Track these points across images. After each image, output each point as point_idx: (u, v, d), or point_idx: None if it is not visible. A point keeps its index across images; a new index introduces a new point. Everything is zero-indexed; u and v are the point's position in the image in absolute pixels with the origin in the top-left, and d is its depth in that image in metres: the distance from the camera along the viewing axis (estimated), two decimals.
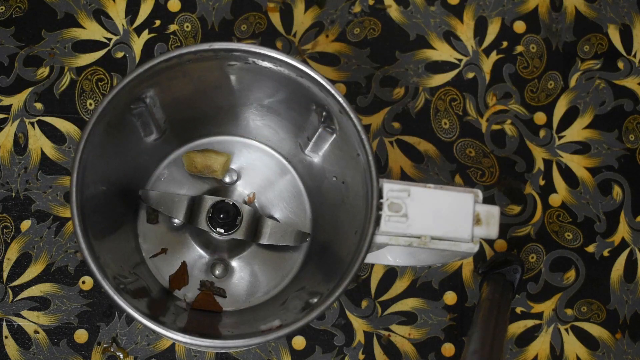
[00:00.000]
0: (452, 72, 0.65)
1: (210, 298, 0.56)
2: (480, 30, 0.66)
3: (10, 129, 0.61)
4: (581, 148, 0.64)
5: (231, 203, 0.53)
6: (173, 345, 0.59)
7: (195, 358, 0.59)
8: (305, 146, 0.55)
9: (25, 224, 0.60)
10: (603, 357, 0.61)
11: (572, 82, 0.65)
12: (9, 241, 0.60)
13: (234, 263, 0.57)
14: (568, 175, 0.64)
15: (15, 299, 0.59)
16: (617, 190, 0.64)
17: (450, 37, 0.65)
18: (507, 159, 0.63)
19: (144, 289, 0.53)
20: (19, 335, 0.58)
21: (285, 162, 0.58)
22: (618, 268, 0.62)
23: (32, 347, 0.58)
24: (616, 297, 0.62)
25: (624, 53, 0.66)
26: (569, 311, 0.61)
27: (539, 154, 0.64)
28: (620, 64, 0.66)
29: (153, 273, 0.56)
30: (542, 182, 0.63)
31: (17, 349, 0.58)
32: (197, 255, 0.57)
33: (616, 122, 0.65)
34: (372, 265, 0.61)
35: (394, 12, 0.65)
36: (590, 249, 0.63)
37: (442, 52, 0.65)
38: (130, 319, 0.59)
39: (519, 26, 0.66)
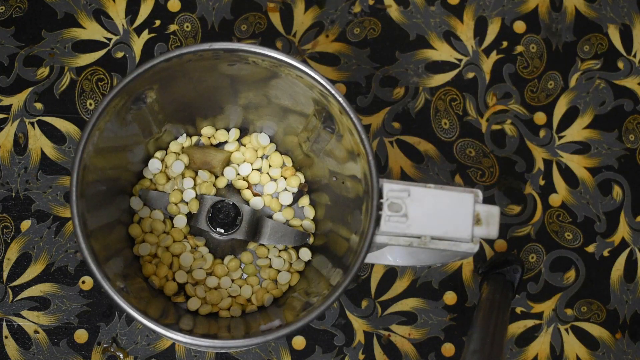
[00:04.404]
0: (452, 72, 0.65)
1: None
2: (480, 30, 0.66)
3: (10, 129, 0.62)
4: (581, 148, 0.64)
5: (231, 203, 0.53)
6: (173, 345, 0.59)
7: (195, 358, 0.59)
8: (305, 146, 0.55)
9: (25, 224, 0.60)
10: (603, 357, 0.61)
11: (572, 82, 0.65)
12: (9, 241, 0.60)
13: None
14: (568, 175, 0.64)
15: (15, 299, 0.59)
16: (617, 190, 0.64)
17: (450, 37, 0.65)
18: (507, 159, 0.63)
19: (144, 289, 0.53)
20: (19, 335, 0.58)
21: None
22: (618, 268, 0.62)
23: (32, 347, 0.58)
24: (616, 297, 0.62)
25: (624, 53, 0.66)
26: (569, 311, 0.62)
27: (539, 154, 0.64)
28: (620, 64, 0.66)
29: None
30: (542, 182, 0.63)
31: (17, 349, 0.58)
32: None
33: (616, 122, 0.65)
34: (372, 265, 0.61)
35: (394, 12, 0.65)
36: (590, 249, 0.63)
37: (442, 52, 0.65)
38: (130, 319, 0.59)
39: (519, 26, 0.66)
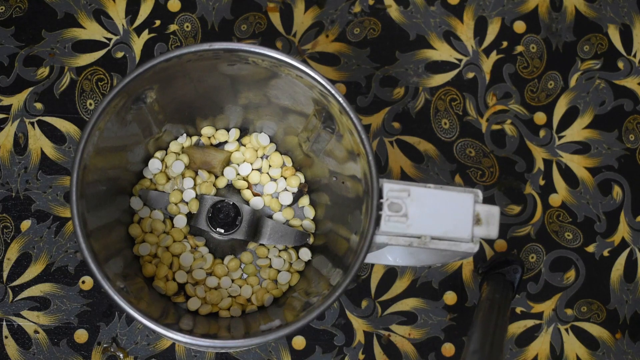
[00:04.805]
0: (452, 72, 0.65)
1: None
2: (480, 30, 0.66)
3: (10, 129, 0.62)
4: (581, 148, 0.64)
5: (231, 203, 0.53)
6: (173, 345, 0.59)
7: (195, 358, 0.59)
8: (305, 146, 0.55)
9: (25, 224, 0.60)
10: (603, 357, 0.61)
11: (572, 82, 0.65)
12: (9, 241, 0.60)
13: None
14: (568, 175, 0.64)
15: (15, 299, 0.59)
16: (617, 190, 0.64)
17: (450, 37, 0.65)
18: (507, 159, 0.63)
19: (144, 288, 0.53)
20: (19, 335, 0.58)
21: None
22: (618, 268, 0.62)
23: (32, 347, 0.58)
24: (616, 297, 0.62)
25: (624, 53, 0.66)
26: (569, 311, 0.62)
27: (539, 154, 0.64)
28: (620, 64, 0.66)
29: None
30: (542, 182, 0.63)
31: (17, 349, 0.58)
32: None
33: (616, 122, 0.65)
34: (372, 265, 0.61)
35: (394, 12, 0.65)
36: (590, 249, 0.63)
37: (442, 52, 0.65)
38: (130, 319, 0.59)
39: (519, 26, 0.66)
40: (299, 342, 0.60)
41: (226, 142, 0.58)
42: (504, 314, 0.54)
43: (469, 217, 0.47)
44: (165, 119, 0.54)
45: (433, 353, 0.60)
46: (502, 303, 0.55)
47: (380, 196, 0.47)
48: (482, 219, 0.47)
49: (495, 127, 0.64)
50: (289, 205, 0.58)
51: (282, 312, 0.53)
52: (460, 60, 0.65)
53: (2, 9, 0.63)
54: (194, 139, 0.58)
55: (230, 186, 0.57)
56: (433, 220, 0.47)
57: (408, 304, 0.61)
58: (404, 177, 0.63)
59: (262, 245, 0.56)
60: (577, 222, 0.63)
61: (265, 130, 0.58)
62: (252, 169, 0.58)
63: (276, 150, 0.58)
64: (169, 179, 0.57)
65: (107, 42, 0.63)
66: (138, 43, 0.63)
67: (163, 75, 0.49)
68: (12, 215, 0.60)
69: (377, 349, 0.60)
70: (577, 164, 0.64)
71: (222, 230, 0.53)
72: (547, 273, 0.62)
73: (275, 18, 0.65)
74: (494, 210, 0.47)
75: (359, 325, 0.60)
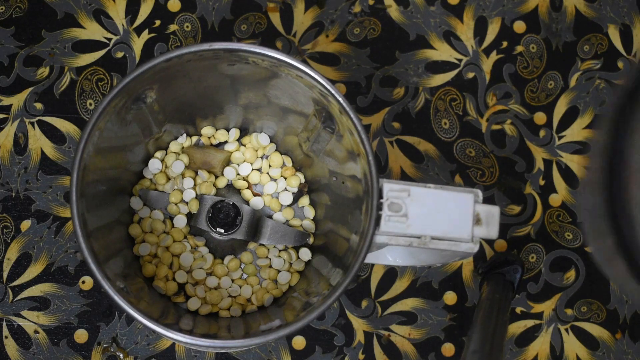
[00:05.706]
0: (452, 72, 0.65)
1: None
2: (480, 30, 0.66)
3: (10, 129, 0.62)
4: (581, 148, 0.64)
5: (231, 203, 0.53)
6: (173, 345, 0.59)
7: (195, 358, 0.59)
8: (305, 146, 0.55)
9: (25, 224, 0.60)
10: (603, 357, 0.61)
11: (572, 82, 0.65)
12: (9, 241, 0.60)
13: None
14: (568, 175, 0.64)
15: (15, 299, 0.59)
16: None
17: (450, 37, 0.65)
18: (507, 159, 0.63)
19: (144, 288, 0.53)
20: (19, 335, 0.59)
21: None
22: None
23: (32, 347, 0.58)
24: (616, 297, 0.62)
25: (624, 53, 0.66)
26: (569, 311, 0.62)
27: (539, 154, 0.64)
28: (620, 64, 0.66)
29: None
30: (542, 182, 0.63)
31: (17, 349, 0.58)
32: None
33: None
34: (372, 265, 0.61)
35: (394, 12, 0.65)
36: (590, 249, 0.63)
37: (442, 52, 0.65)
38: (130, 319, 0.59)
39: (519, 26, 0.66)
40: (299, 342, 0.60)
41: (226, 142, 0.58)
42: (504, 314, 0.54)
43: (469, 217, 0.47)
44: (165, 119, 0.54)
45: (433, 353, 0.60)
46: (502, 303, 0.55)
47: (380, 196, 0.47)
48: (482, 219, 0.47)
49: (495, 127, 0.64)
50: (289, 205, 0.58)
51: (282, 312, 0.53)
52: (460, 60, 0.65)
53: (2, 9, 0.63)
54: (194, 139, 0.58)
55: (230, 186, 0.57)
56: (433, 220, 0.47)
57: (408, 304, 0.61)
58: (404, 177, 0.63)
59: (262, 245, 0.56)
60: (577, 222, 0.63)
61: (265, 130, 0.58)
62: (252, 169, 0.58)
63: (276, 150, 0.58)
64: (169, 179, 0.57)
65: (107, 42, 0.63)
66: (138, 43, 0.63)
67: (163, 75, 0.49)
68: (12, 215, 0.60)
69: (377, 349, 0.60)
70: (577, 164, 0.64)
71: (222, 230, 0.53)
72: (547, 273, 0.62)
73: (275, 18, 0.65)
74: (494, 210, 0.47)
75: (359, 325, 0.60)
